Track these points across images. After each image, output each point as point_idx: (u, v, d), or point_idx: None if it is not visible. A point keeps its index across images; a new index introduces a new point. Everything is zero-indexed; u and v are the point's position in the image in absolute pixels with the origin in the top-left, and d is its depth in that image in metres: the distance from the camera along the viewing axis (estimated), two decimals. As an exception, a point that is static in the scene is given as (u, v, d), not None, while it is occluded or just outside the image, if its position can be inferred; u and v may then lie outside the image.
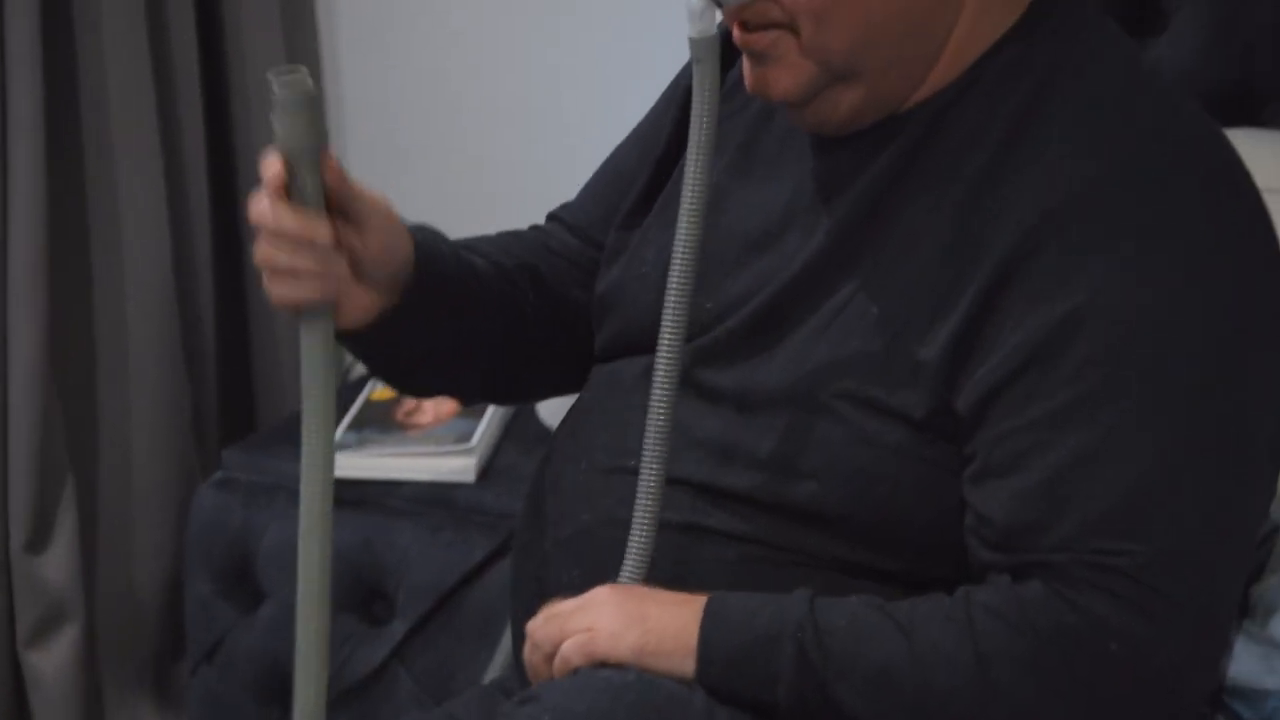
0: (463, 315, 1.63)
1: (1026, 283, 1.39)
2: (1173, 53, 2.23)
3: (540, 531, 1.61)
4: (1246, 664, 1.42)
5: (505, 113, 2.73)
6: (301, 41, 2.76)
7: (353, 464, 2.35)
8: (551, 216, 1.79)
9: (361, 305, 1.54)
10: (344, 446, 2.37)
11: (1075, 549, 1.36)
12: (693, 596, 1.46)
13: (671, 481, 1.51)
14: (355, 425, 2.43)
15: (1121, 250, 1.38)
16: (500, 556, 2.25)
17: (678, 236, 1.48)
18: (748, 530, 1.51)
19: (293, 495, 2.36)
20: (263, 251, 1.48)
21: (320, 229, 1.46)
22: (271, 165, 1.46)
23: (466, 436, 2.37)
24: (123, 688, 2.60)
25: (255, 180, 2.64)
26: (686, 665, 1.44)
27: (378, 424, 2.43)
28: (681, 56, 1.55)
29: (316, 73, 2.82)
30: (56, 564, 2.48)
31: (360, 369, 2.79)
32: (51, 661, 2.49)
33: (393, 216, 1.55)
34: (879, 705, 1.40)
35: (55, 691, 2.48)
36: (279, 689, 2.42)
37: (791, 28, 1.46)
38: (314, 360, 1.49)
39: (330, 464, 1.51)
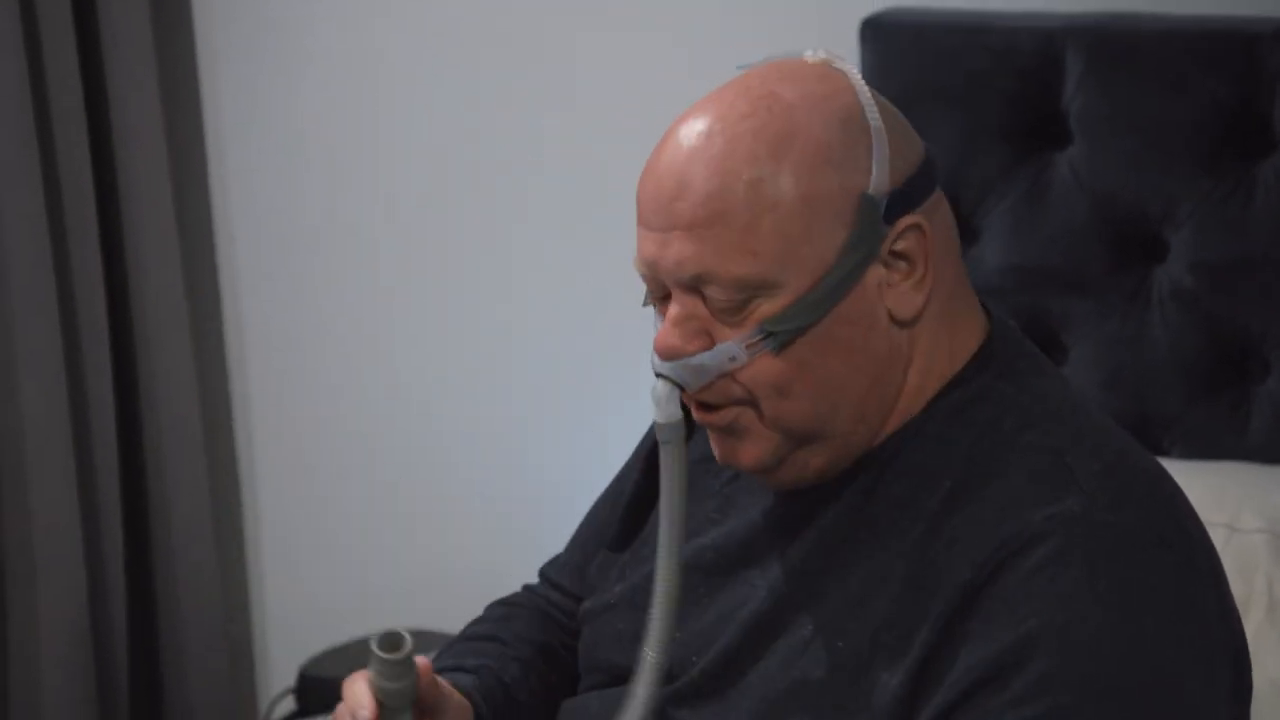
0: None
1: (984, 609, 1.43)
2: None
3: None
4: None
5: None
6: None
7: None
8: (542, 575, 1.83)
9: None
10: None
11: None
12: None
13: None
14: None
15: (1072, 578, 1.42)
16: None
17: (653, 614, 1.51)
18: None
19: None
20: None
21: None
22: (366, 704, 1.51)
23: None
24: None
25: (167, 528, 2.66)
26: None
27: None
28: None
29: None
30: None
31: (280, 711, 2.77)
32: None
33: (467, 709, 1.61)
34: None
35: None
36: None
37: (752, 402, 1.50)
38: None
39: None
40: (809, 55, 1.53)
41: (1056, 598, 1.41)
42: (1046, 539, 1.43)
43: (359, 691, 1.52)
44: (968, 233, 2.44)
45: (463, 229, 2.77)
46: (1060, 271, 2.39)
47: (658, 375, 1.51)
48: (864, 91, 1.49)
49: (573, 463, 1.77)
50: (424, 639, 2.67)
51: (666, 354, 1.50)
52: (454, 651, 1.74)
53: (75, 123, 2.59)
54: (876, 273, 1.48)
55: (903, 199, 1.48)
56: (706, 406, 1.52)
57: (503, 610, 1.80)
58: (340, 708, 1.57)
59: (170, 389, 2.73)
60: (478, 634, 1.76)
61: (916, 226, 1.49)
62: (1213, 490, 2.12)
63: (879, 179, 1.47)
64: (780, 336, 1.47)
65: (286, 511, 2.90)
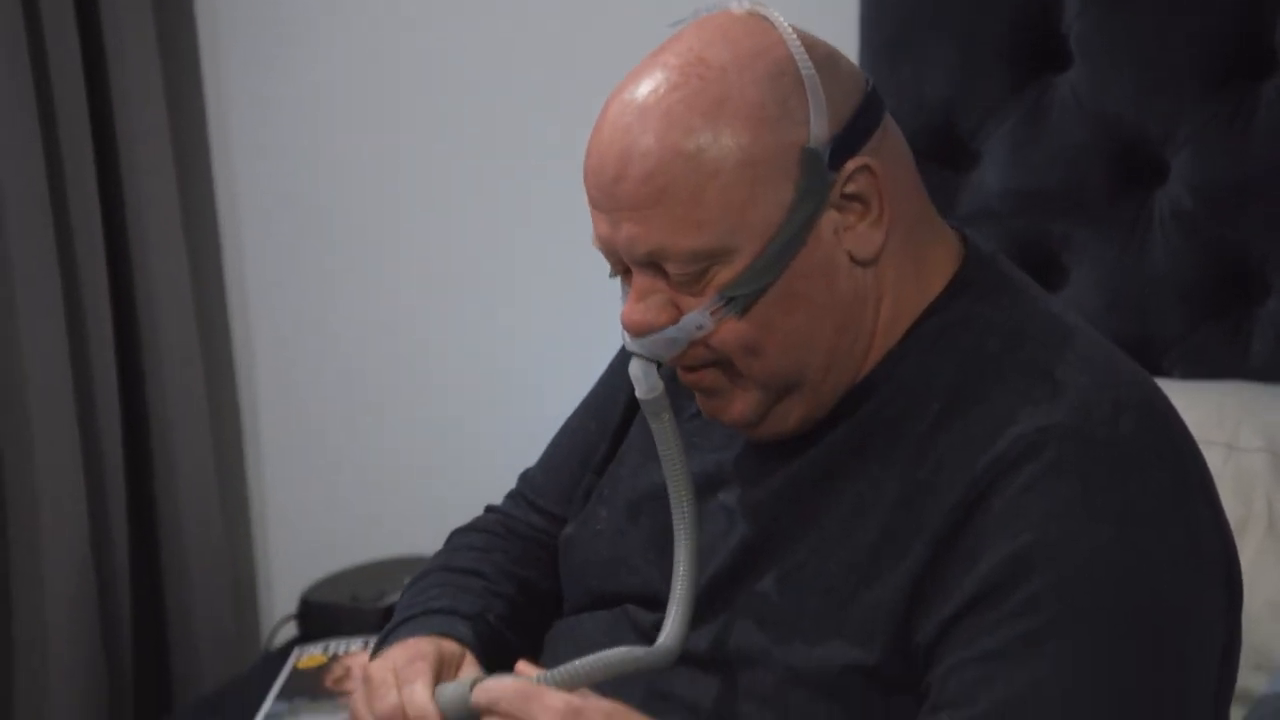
0: None
1: (979, 523, 1.44)
2: (1074, 307, 2.31)
3: None
4: None
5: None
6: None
7: (286, 735, 2.34)
8: (520, 496, 1.83)
9: None
10: (274, 716, 2.35)
11: None
12: None
13: None
14: (284, 694, 2.41)
15: (1067, 492, 1.43)
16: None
17: (677, 571, 1.51)
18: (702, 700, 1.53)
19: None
20: None
21: None
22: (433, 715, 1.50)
23: (399, 703, 2.36)
24: None
25: (169, 462, 2.66)
26: None
27: (307, 693, 2.41)
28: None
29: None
30: None
31: (282, 637, 2.78)
32: None
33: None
34: None
35: None
36: None
37: (727, 363, 1.51)
38: None
39: None
40: (734, 6, 1.52)
41: (1049, 513, 1.42)
42: (1037, 454, 1.43)
43: (422, 702, 1.51)
44: (967, 157, 2.43)
45: (464, 166, 2.77)
46: (1061, 195, 2.38)
47: (631, 353, 1.52)
48: (794, 41, 1.48)
49: (576, 393, 1.77)
50: (423, 566, 2.68)
51: (635, 330, 1.51)
52: (437, 585, 1.74)
53: (73, 80, 2.58)
54: (831, 219, 1.48)
55: (846, 143, 1.48)
56: (686, 368, 1.53)
57: (480, 539, 1.80)
58: (363, 694, 1.56)
59: (169, 318, 2.73)
60: (459, 567, 1.76)
61: (864, 167, 1.48)
62: (1212, 409, 2.12)
63: (818, 129, 1.46)
64: (740, 301, 1.47)
65: (287, 439, 2.91)
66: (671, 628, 1.50)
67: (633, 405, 1.67)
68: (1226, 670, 1.52)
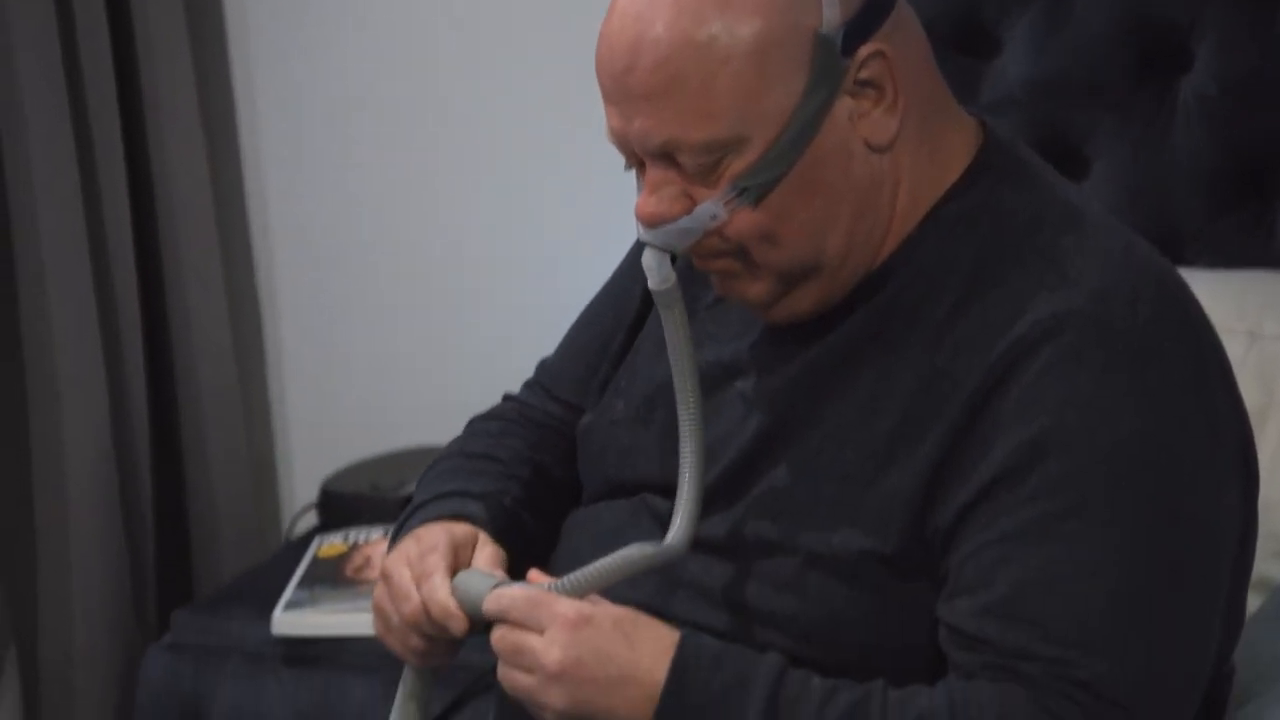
0: None
1: (996, 409, 1.44)
2: (1095, 198, 2.30)
3: None
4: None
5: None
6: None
7: (306, 621, 2.35)
8: (538, 385, 1.83)
9: None
10: (296, 604, 2.37)
11: (1042, 659, 1.40)
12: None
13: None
14: (305, 583, 2.43)
15: (1084, 378, 1.43)
16: (460, 707, 2.25)
17: (682, 470, 1.52)
18: (710, 620, 1.54)
19: (245, 657, 2.39)
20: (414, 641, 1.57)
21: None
22: (458, 615, 1.53)
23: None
24: None
25: (189, 349, 2.66)
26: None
27: (328, 581, 2.43)
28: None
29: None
30: (2, 733, 2.46)
31: (302, 527, 2.80)
32: (-2, 833, 2.46)
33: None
34: None
35: None
36: None
37: (743, 252, 1.50)
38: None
39: None
40: None
41: (1066, 399, 1.42)
42: (1055, 337, 1.43)
43: (443, 599, 1.53)
44: (989, 44, 2.41)
45: (481, 59, 2.75)
46: (1083, 84, 2.36)
47: (645, 244, 1.51)
48: None
49: (593, 284, 1.77)
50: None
51: (649, 221, 1.50)
52: (452, 470, 1.74)
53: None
54: (845, 105, 1.47)
55: (859, 28, 1.46)
56: (702, 257, 1.52)
57: (496, 426, 1.80)
58: (385, 591, 1.58)
59: (187, 207, 2.72)
60: (474, 452, 1.76)
61: (878, 53, 1.47)
62: (1235, 298, 2.11)
63: (830, 15, 1.45)
64: (755, 190, 1.46)
65: (307, 327, 2.90)
66: (680, 525, 1.51)
67: (649, 297, 1.66)
68: (1243, 557, 1.52)
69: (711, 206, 1.47)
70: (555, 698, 1.46)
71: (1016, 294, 1.46)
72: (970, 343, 1.46)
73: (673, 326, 1.52)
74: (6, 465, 2.53)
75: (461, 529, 1.61)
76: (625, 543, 1.56)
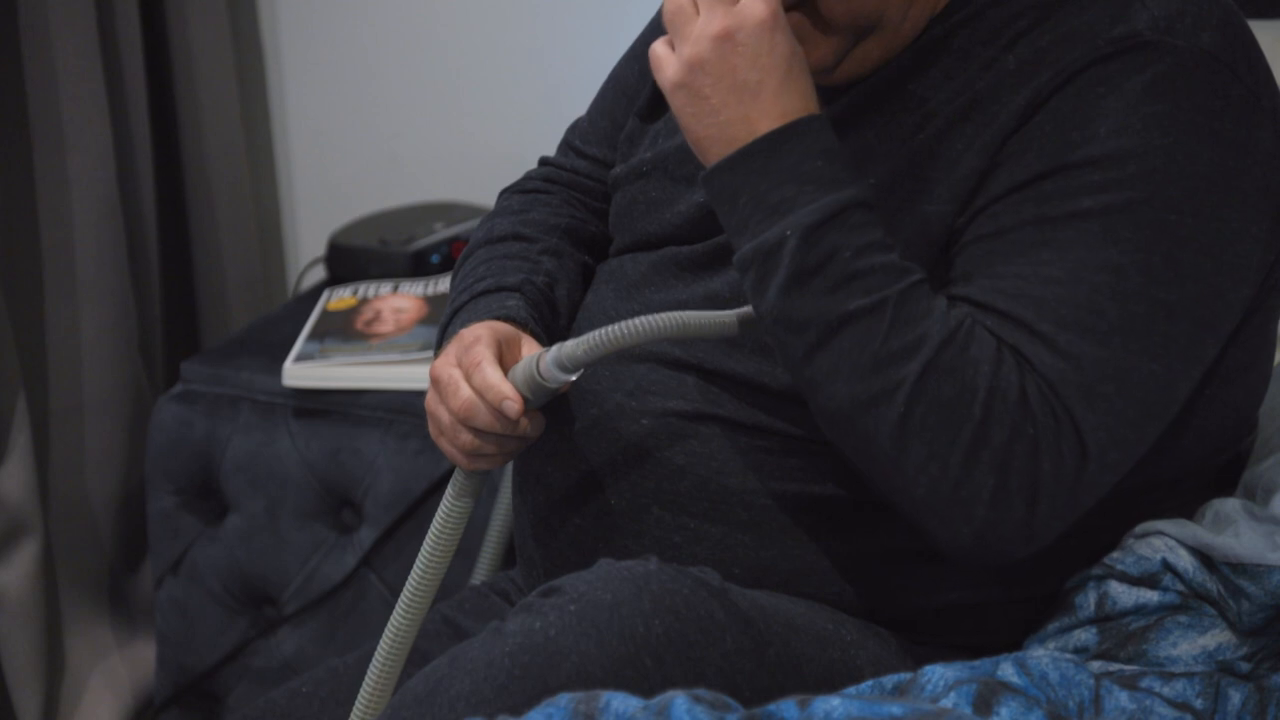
0: None
1: (1037, 127, 1.45)
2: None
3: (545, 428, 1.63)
4: (1251, 543, 1.47)
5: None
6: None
7: (318, 374, 2.36)
8: (568, 145, 1.83)
9: None
10: (306, 356, 2.37)
11: (1029, 333, 1.41)
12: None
13: (681, 367, 1.56)
14: (315, 335, 2.43)
15: (1135, 94, 1.43)
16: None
17: None
18: (755, 418, 1.54)
19: (255, 406, 2.39)
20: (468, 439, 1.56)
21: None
22: (514, 396, 1.52)
23: (431, 344, 2.37)
24: (81, 600, 2.60)
25: (194, 102, 2.63)
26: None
27: (338, 334, 2.43)
28: None
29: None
30: (12, 480, 2.47)
31: (309, 281, 2.79)
32: (11, 577, 2.47)
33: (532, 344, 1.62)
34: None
35: (16, 606, 2.47)
36: (247, 598, 2.43)
37: (810, 5, 1.50)
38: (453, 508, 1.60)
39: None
40: None
41: (1110, 113, 1.43)
42: (1109, 60, 1.45)
43: (495, 381, 1.52)
44: None
45: None
46: None
47: None
48: None
49: (603, 36, 1.73)
50: (452, 211, 2.68)
51: None
52: (483, 262, 1.73)
53: None
54: None
55: None
56: None
57: (519, 201, 1.80)
58: (434, 393, 1.57)
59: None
60: (499, 235, 1.75)
61: None
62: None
63: None
64: None
65: (313, 84, 2.87)
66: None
67: None
68: (1267, 301, 1.54)
69: None
70: (685, 59, 1.45)
71: (1073, 24, 1.47)
72: (1021, 67, 1.48)
73: None
74: (13, 219, 2.50)
75: (504, 328, 1.60)
76: (643, 295, 1.55)
